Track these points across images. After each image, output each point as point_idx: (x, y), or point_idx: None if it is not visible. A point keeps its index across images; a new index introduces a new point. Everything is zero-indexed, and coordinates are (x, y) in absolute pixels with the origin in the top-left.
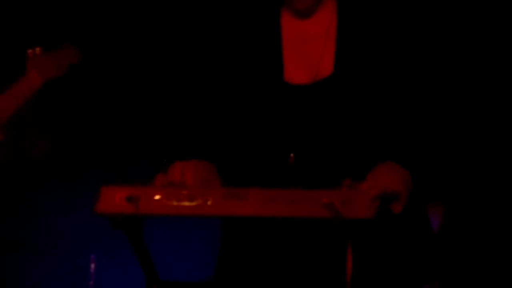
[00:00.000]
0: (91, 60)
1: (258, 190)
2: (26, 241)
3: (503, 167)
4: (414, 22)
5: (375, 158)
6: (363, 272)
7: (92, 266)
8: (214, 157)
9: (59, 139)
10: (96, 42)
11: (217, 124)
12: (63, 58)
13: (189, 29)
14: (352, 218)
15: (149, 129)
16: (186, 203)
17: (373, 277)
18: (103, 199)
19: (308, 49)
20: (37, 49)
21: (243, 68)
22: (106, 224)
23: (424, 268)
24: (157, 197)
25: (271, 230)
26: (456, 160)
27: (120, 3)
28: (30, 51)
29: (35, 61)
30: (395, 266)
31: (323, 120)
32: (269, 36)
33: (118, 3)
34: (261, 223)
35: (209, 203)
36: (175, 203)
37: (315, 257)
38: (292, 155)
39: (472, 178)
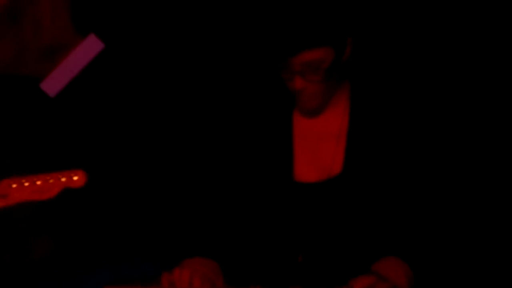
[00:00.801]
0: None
1: None
2: None
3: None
4: (425, 126)
5: (379, 251)
6: None
7: None
8: (221, 255)
9: (60, 239)
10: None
11: (226, 222)
12: None
13: (198, 125)
14: None
15: (154, 227)
16: None
17: None
18: None
19: (319, 148)
20: None
21: (254, 165)
22: None
23: None
24: None
25: None
26: (458, 256)
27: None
28: None
29: None
30: None
31: (331, 218)
32: (280, 134)
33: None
34: None
35: None
36: None
37: None
38: (300, 257)
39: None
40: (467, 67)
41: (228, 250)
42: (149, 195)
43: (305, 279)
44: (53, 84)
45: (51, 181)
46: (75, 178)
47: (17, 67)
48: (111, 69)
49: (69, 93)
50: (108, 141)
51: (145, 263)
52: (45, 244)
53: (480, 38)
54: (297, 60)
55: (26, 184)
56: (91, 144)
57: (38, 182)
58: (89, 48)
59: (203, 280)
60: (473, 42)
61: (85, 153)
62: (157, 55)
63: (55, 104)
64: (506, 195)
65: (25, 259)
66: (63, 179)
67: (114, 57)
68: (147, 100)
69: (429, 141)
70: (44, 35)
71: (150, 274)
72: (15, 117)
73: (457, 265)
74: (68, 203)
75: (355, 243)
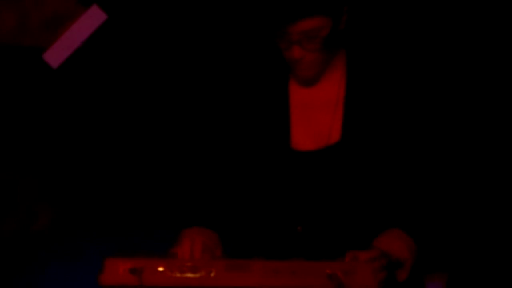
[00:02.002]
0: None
1: (261, 262)
2: None
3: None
4: (422, 92)
5: (381, 223)
6: None
7: None
8: (219, 224)
9: (61, 210)
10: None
11: (223, 191)
12: None
13: (194, 93)
14: None
15: (153, 198)
16: (190, 275)
17: None
18: (107, 271)
19: (316, 116)
20: None
21: (250, 133)
22: None
23: None
24: (160, 269)
25: None
26: (462, 229)
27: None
28: None
29: None
30: None
31: (330, 187)
32: (276, 102)
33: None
34: None
35: (212, 274)
36: (178, 275)
37: None
38: (299, 228)
39: (476, 249)
40: (464, 35)
41: (227, 219)
42: (148, 161)
43: (306, 249)
44: (56, 55)
45: None
46: None
47: (19, 37)
48: (114, 40)
49: (72, 64)
50: (109, 108)
51: (150, 236)
52: (47, 214)
53: (478, 9)
54: (294, 29)
55: None
56: (91, 110)
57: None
58: (92, 19)
59: (203, 249)
60: (470, 11)
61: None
62: (157, 25)
63: (58, 75)
64: (506, 159)
65: (27, 229)
66: None
67: (116, 28)
68: (147, 69)
69: (427, 106)
70: (47, 6)
71: (156, 245)
72: (17, 87)
73: (460, 236)
74: (68, 171)
75: (355, 212)
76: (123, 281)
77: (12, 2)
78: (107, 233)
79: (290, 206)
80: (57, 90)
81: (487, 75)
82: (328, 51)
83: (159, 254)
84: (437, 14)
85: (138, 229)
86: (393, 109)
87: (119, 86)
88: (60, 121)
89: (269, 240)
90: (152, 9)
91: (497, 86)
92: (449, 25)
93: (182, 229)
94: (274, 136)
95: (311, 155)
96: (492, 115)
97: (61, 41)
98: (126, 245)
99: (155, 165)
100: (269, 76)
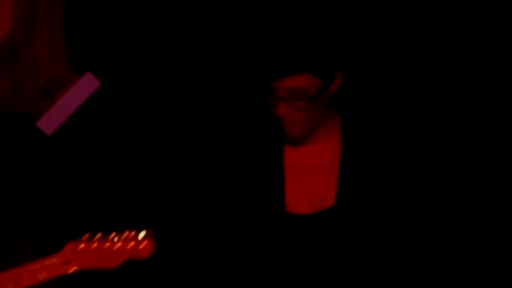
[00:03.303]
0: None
1: None
2: None
3: None
4: (415, 155)
5: (375, 283)
6: None
7: None
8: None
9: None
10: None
11: (219, 255)
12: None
13: (190, 156)
14: None
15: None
16: None
17: None
18: None
19: (311, 180)
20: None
21: (246, 197)
22: None
23: None
24: None
25: None
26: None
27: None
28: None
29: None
30: None
31: (325, 250)
32: (271, 164)
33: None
34: None
35: None
36: None
37: None
38: None
39: None
40: (454, 98)
41: (224, 282)
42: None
43: None
44: (49, 122)
45: (117, 247)
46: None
47: (13, 105)
48: (108, 107)
49: (66, 131)
50: (103, 174)
51: None
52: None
53: (463, 69)
54: (281, 85)
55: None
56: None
57: (107, 245)
58: (86, 86)
59: None
60: (459, 74)
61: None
62: (151, 90)
63: (52, 142)
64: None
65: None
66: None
67: (110, 95)
68: (143, 133)
69: (421, 171)
70: (41, 74)
71: None
72: (12, 155)
73: None
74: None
75: (349, 274)
76: None
77: (6, 69)
78: None
79: (286, 268)
80: (51, 157)
81: (475, 140)
82: (317, 111)
83: None
84: (431, 82)
85: None
86: (387, 175)
87: (112, 151)
88: (54, 191)
89: None
90: (145, 78)
91: (485, 151)
92: (441, 93)
93: None
94: (269, 199)
95: (305, 219)
96: (482, 181)
97: (55, 108)
98: None
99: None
100: (264, 138)
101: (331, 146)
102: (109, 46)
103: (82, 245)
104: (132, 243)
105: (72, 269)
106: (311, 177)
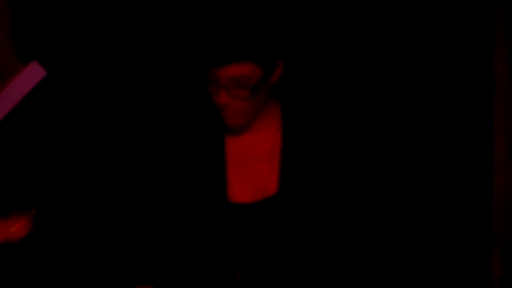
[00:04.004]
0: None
1: None
2: None
3: None
4: (355, 141)
5: (319, 274)
6: None
7: None
8: (161, 279)
9: None
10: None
11: (161, 245)
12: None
13: (131, 142)
14: None
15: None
16: None
17: None
18: None
19: (253, 168)
20: None
21: (187, 186)
22: None
23: None
24: None
25: None
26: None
27: None
28: None
29: None
30: None
31: (268, 238)
32: (213, 154)
33: None
34: None
35: None
36: None
37: None
38: (239, 274)
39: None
40: (393, 87)
41: (167, 273)
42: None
43: None
44: None
45: None
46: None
47: None
48: (53, 97)
49: (10, 122)
50: (47, 163)
51: None
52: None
53: (401, 58)
54: (222, 74)
55: None
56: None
57: None
58: (31, 75)
59: None
60: (396, 63)
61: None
62: (96, 78)
63: None
64: (430, 199)
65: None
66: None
67: (56, 85)
68: (85, 122)
69: (361, 155)
70: None
71: None
72: None
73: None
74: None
75: (293, 263)
76: None
77: None
78: None
79: (229, 257)
80: None
81: (410, 124)
82: (257, 100)
83: None
84: (372, 67)
85: None
86: (328, 160)
87: (56, 142)
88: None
89: None
90: (89, 67)
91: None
92: (378, 78)
93: None
94: (211, 189)
95: (248, 208)
96: (418, 159)
97: (0, 97)
98: None
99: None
100: (206, 127)
101: (272, 134)
102: (56, 35)
103: None
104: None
105: None
106: (253, 166)
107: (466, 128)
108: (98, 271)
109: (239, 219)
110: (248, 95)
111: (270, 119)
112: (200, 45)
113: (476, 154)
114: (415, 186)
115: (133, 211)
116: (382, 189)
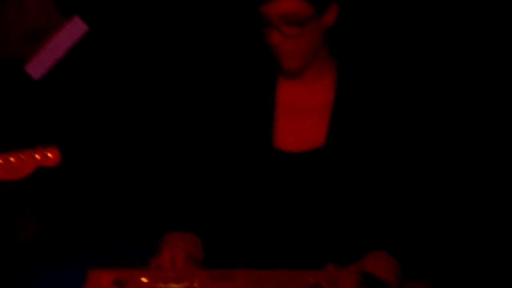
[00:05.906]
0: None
1: (245, 271)
2: None
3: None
4: (410, 103)
5: (360, 233)
6: None
7: None
8: (201, 227)
9: (47, 220)
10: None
11: (205, 191)
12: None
13: (179, 88)
14: None
15: (136, 206)
16: (173, 285)
17: None
18: (91, 283)
19: (302, 119)
20: None
21: (234, 130)
22: None
23: None
24: (144, 280)
25: None
26: (445, 240)
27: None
28: None
29: None
30: None
31: (310, 189)
32: (263, 101)
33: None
34: None
35: (195, 285)
36: (162, 285)
37: None
38: (279, 225)
39: (459, 257)
40: (456, 49)
41: (208, 220)
42: (128, 165)
43: (286, 251)
44: (37, 66)
45: (24, 158)
46: (50, 155)
47: (1, 49)
48: (95, 51)
49: (53, 76)
50: (92, 117)
51: (134, 245)
52: (31, 225)
53: (468, 23)
54: (272, 11)
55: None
56: (69, 121)
57: (12, 159)
58: (73, 30)
59: (186, 257)
60: (462, 25)
61: (62, 131)
62: (137, 34)
63: (39, 86)
64: (492, 179)
65: (10, 240)
66: (37, 157)
67: (98, 39)
68: (129, 77)
69: (414, 121)
70: (28, 18)
71: (140, 256)
72: None
73: (442, 253)
74: (52, 182)
75: (334, 216)
76: None
77: None
78: (91, 244)
79: (271, 205)
80: (39, 101)
81: (473, 92)
82: (311, 42)
83: (143, 264)
84: (432, 31)
85: (123, 239)
86: (379, 119)
87: (100, 95)
88: (44, 131)
89: (250, 239)
90: (133, 18)
91: (479, 100)
92: (438, 36)
93: (164, 234)
94: (257, 134)
95: (293, 157)
96: (475, 129)
97: (43, 52)
98: (111, 256)
99: (139, 169)
100: (258, 75)
101: (324, 89)
102: None
103: None
104: (40, 153)
105: None
106: (301, 117)
107: None
108: (136, 214)
109: (282, 167)
110: (299, 32)
111: (324, 75)
112: None
113: None
114: (464, 160)
115: (177, 151)
116: (430, 148)
